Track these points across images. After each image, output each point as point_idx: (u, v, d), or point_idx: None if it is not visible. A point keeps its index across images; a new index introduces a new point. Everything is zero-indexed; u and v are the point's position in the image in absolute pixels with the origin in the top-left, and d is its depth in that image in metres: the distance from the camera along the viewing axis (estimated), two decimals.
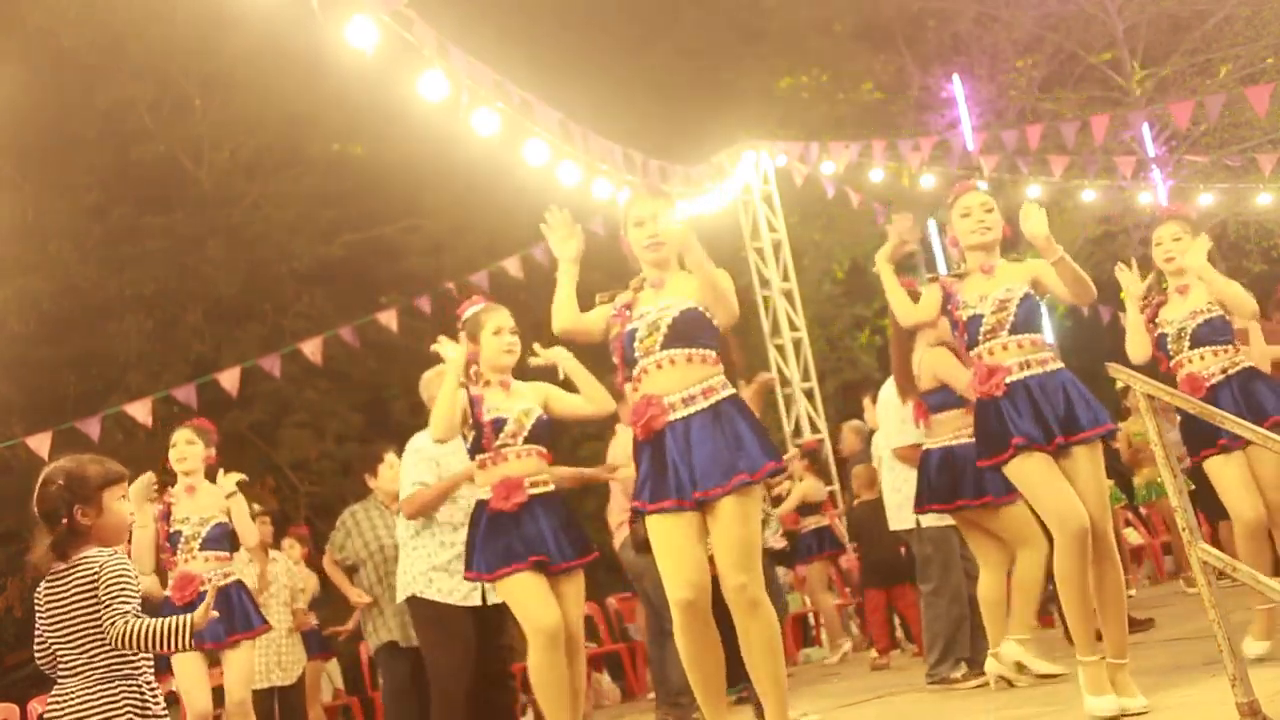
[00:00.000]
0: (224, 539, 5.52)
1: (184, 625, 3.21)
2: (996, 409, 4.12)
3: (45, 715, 3.36)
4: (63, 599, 3.20)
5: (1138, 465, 9.63)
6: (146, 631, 3.16)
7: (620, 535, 6.31)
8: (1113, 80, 20.94)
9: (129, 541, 4.73)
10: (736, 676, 4.27)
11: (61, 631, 3.19)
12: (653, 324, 3.89)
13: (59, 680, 3.20)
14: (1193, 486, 5.48)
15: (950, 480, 5.18)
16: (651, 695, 7.59)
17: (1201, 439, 4.83)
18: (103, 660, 3.17)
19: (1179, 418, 5.50)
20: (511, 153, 10.08)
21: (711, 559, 3.86)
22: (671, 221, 3.90)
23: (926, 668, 5.83)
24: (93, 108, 14.95)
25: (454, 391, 4.40)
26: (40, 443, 9.36)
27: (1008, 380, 4.11)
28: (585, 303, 4.12)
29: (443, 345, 4.54)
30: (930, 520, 5.69)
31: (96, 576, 3.19)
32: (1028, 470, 4.07)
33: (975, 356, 4.21)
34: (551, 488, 4.48)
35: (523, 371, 4.66)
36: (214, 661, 5.41)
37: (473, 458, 4.47)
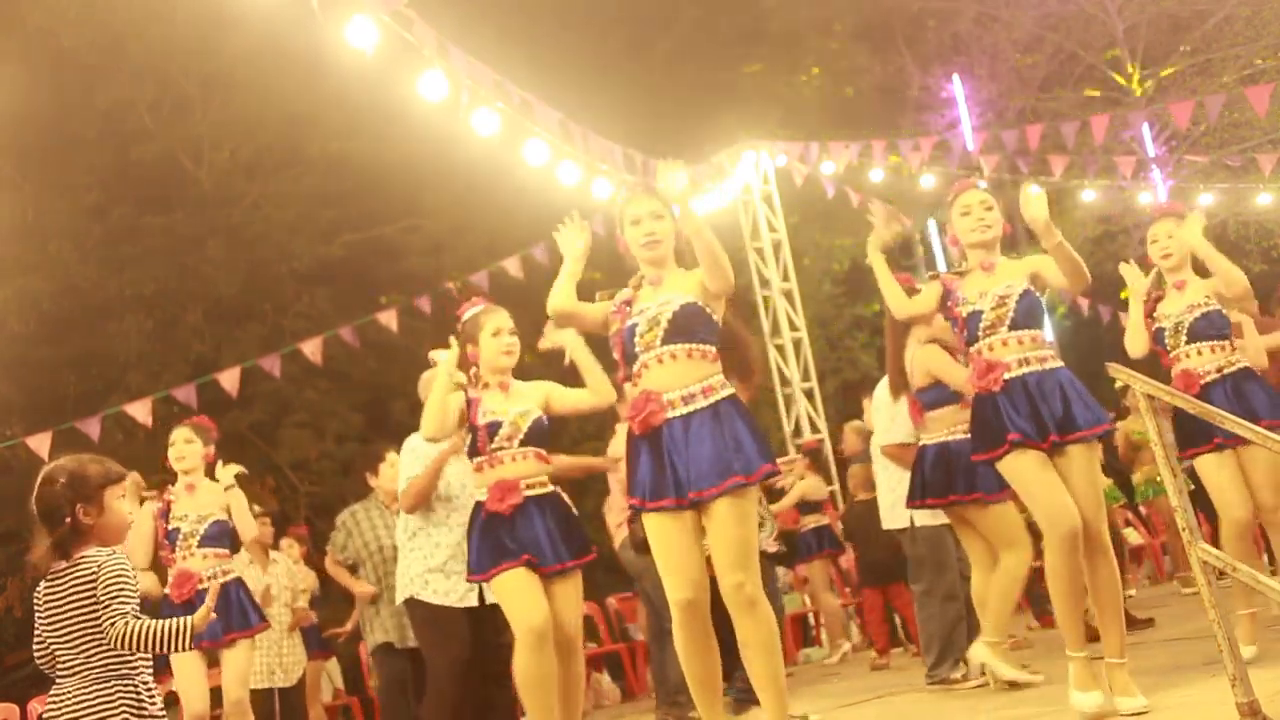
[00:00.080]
0: (223, 536, 5.52)
1: (184, 627, 3.21)
2: (994, 404, 4.12)
3: (44, 715, 3.36)
4: (61, 599, 3.20)
5: (1137, 464, 9.63)
6: (146, 632, 3.16)
7: (620, 535, 6.31)
8: (1113, 80, 20.95)
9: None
10: (731, 674, 4.27)
11: (59, 631, 3.19)
12: (653, 319, 3.89)
13: (57, 680, 3.21)
14: (1192, 486, 5.49)
15: (944, 475, 5.18)
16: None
17: (1193, 437, 4.82)
18: (99, 660, 3.17)
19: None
20: (511, 153, 10.08)
21: (709, 559, 3.87)
22: (674, 182, 3.88)
23: (926, 668, 5.83)
24: (93, 108, 14.95)
25: (444, 392, 4.40)
26: (40, 443, 9.36)
27: (1006, 376, 4.12)
28: (585, 301, 4.13)
29: (436, 354, 4.55)
30: (923, 520, 5.69)
31: (95, 576, 3.19)
32: (1021, 467, 4.08)
33: (975, 352, 4.21)
34: (549, 489, 4.47)
35: (524, 371, 4.66)
36: (213, 662, 5.40)
37: (470, 460, 4.48)
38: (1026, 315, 4.17)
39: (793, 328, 13.27)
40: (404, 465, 5.39)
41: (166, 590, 5.46)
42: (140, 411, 9.98)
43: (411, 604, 5.31)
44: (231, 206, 15.66)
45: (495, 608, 5.06)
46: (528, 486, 4.38)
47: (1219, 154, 18.44)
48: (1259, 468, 4.75)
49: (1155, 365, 4.92)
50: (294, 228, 15.58)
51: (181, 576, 5.35)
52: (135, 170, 15.23)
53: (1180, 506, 3.48)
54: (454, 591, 5.19)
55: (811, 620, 11.64)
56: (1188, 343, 4.91)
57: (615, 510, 6.42)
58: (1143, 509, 11.51)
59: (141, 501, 5.54)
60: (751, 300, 13.33)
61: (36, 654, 3.26)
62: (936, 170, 13.98)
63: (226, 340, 14.95)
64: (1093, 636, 4.42)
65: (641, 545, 4.55)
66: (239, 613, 5.35)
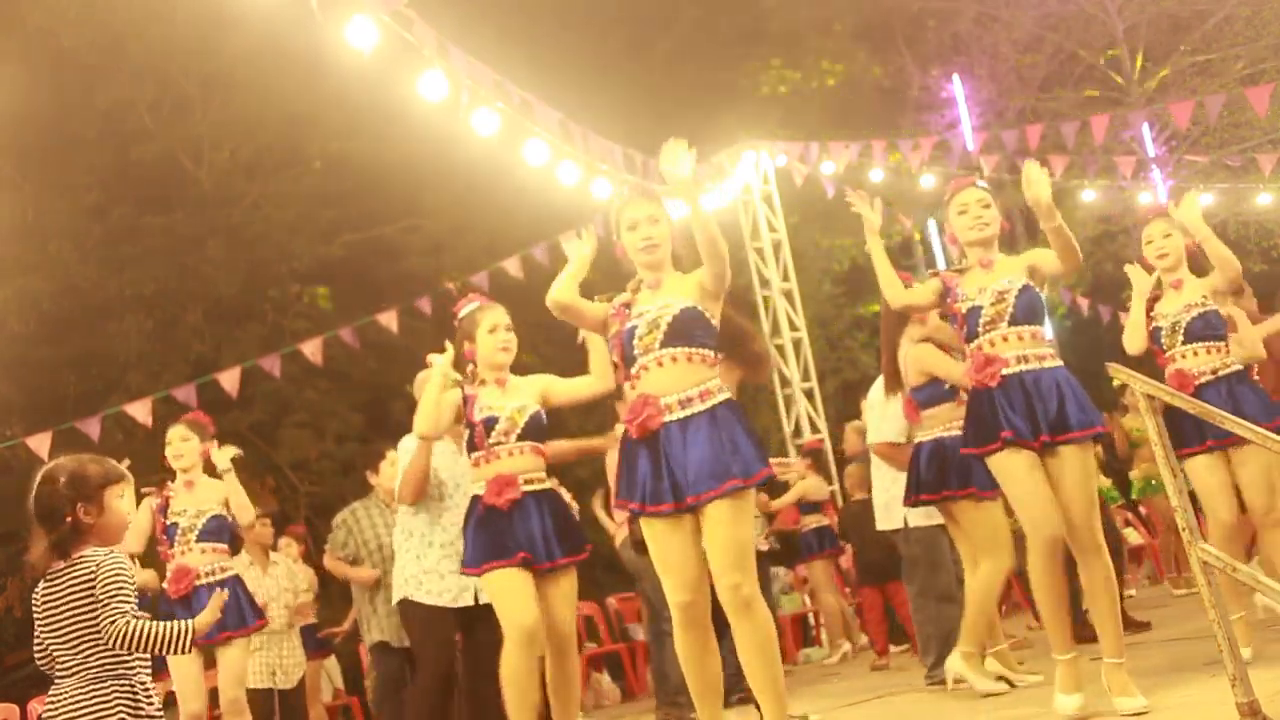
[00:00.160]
0: (221, 531, 5.52)
1: (185, 630, 3.21)
2: (990, 400, 4.13)
3: (42, 716, 3.37)
4: (58, 599, 3.20)
5: (1136, 460, 9.63)
6: (145, 632, 3.16)
7: (621, 534, 6.32)
8: (1113, 80, 20.96)
9: None
10: (737, 680, 4.27)
11: (57, 631, 3.19)
12: (652, 322, 3.90)
13: (56, 681, 3.21)
14: (1192, 487, 5.49)
15: (938, 471, 5.19)
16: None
17: (1185, 438, 4.82)
18: (96, 660, 3.17)
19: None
20: (511, 153, 10.08)
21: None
22: (680, 164, 3.89)
23: (925, 669, 5.83)
24: (93, 108, 14.94)
25: (438, 389, 4.42)
26: (40, 443, 9.36)
27: (1004, 372, 4.12)
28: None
29: (434, 357, 4.56)
30: (917, 520, 5.69)
31: (93, 576, 3.19)
32: (1010, 466, 4.09)
33: (975, 348, 4.22)
34: (547, 485, 4.48)
35: (522, 367, 4.66)
36: (210, 662, 5.41)
37: (469, 455, 4.47)
38: (1026, 311, 4.17)
39: (793, 328, 13.27)
40: (401, 465, 5.40)
41: (164, 585, 5.47)
42: (140, 411, 9.97)
43: (405, 604, 5.34)
44: (231, 206, 15.65)
45: (490, 606, 5.08)
46: (525, 482, 4.38)
47: (1219, 154, 18.44)
48: (1250, 470, 4.75)
49: (1149, 364, 4.92)
50: (294, 228, 15.58)
51: (179, 572, 5.35)
52: (135, 170, 15.22)
53: (1180, 506, 3.48)
54: (447, 592, 5.21)
55: (811, 620, 11.64)
56: (1184, 343, 4.91)
57: (617, 510, 6.42)
58: (1143, 509, 11.51)
59: (140, 499, 5.55)
60: (751, 300, 13.33)
61: (37, 655, 3.26)
62: (936, 170, 13.98)
63: (226, 340, 14.94)
64: (1091, 637, 4.42)
65: (641, 545, 4.54)
66: (235, 612, 5.35)
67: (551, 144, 10.16)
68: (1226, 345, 4.93)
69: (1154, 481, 9.42)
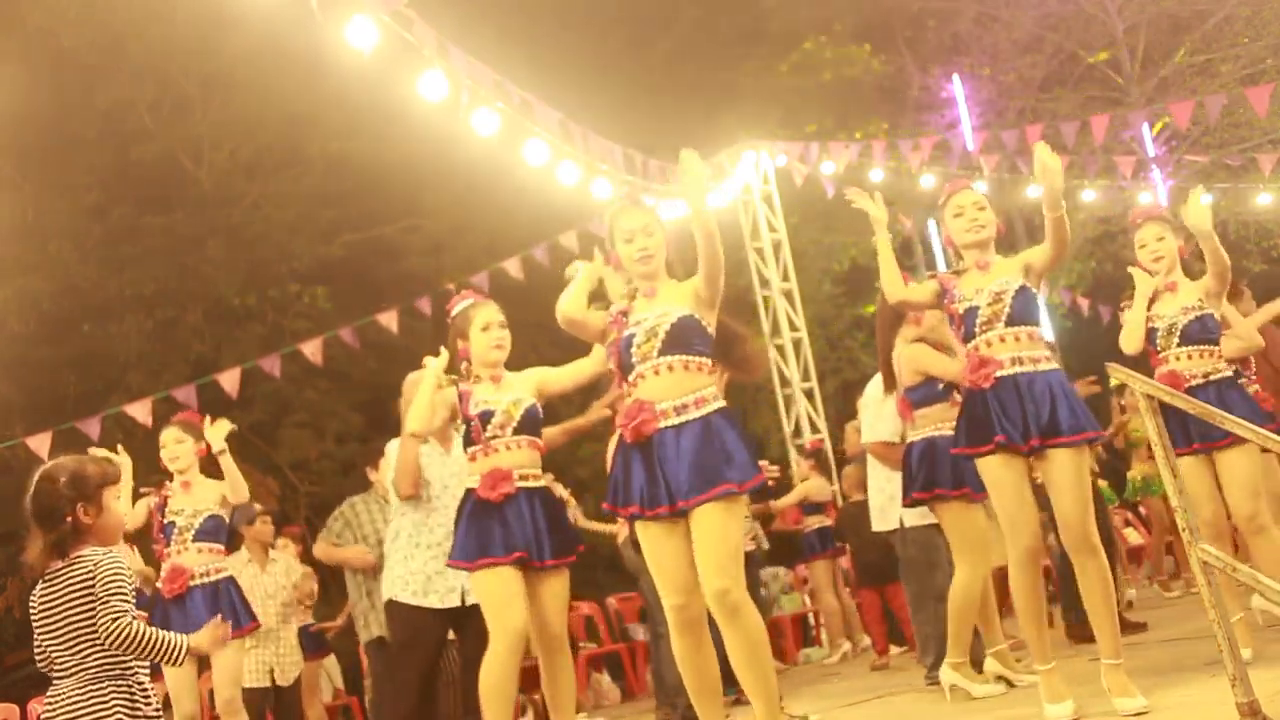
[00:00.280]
0: (218, 532, 5.53)
1: (180, 645, 3.24)
2: (983, 401, 4.14)
3: (41, 716, 3.37)
4: (56, 599, 3.20)
5: (1135, 460, 9.65)
6: (143, 637, 3.17)
7: (622, 533, 6.33)
8: (1113, 80, 20.95)
9: None
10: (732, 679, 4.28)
11: (55, 631, 3.19)
12: (650, 330, 3.94)
13: (54, 681, 3.21)
14: None
15: (929, 469, 5.21)
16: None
17: (1172, 439, 4.81)
18: (94, 660, 3.17)
19: None
20: (511, 153, 10.07)
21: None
22: (694, 172, 3.94)
23: (925, 669, 5.83)
24: (93, 108, 14.95)
25: (432, 388, 4.43)
26: (40, 443, 9.35)
27: (998, 374, 4.13)
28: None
29: (430, 360, 4.56)
30: (913, 521, 5.70)
31: (92, 576, 3.19)
32: (998, 472, 4.13)
33: (971, 349, 4.23)
34: (543, 482, 4.47)
35: (523, 367, 4.66)
36: (204, 664, 5.41)
37: (465, 450, 4.48)
38: (1023, 311, 4.18)
39: (793, 328, 13.27)
40: (392, 464, 5.43)
41: (158, 584, 5.48)
42: (140, 411, 9.97)
43: (390, 605, 5.38)
44: (231, 206, 15.66)
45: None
46: (520, 478, 4.37)
47: (1219, 154, 18.44)
48: (1234, 475, 4.76)
49: (1143, 364, 4.93)
50: (294, 228, 15.59)
51: (174, 571, 5.36)
52: (135, 170, 15.23)
53: (1180, 506, 3.48)
54: (434, 593, 5.22)
55: (811, 620, 11.64)
56: (1179, 345, 4.92)
57: None
58: (1142, 509, 11.52)
59: (136, 498, 5.56)
60: (751, 300, 13.33)
61: (37, 657, 3.26)
62: (936, 170, 13.98)
63: (226, 340, 14.95)
64: (1089, 637, 4.43)
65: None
66: (229, 613, 5.35)
67: (551, 144, 10.15)
68: (1219, 350, 4.95)
69: (1152, 483, 9.44)
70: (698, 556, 3.80)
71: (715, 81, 18.12)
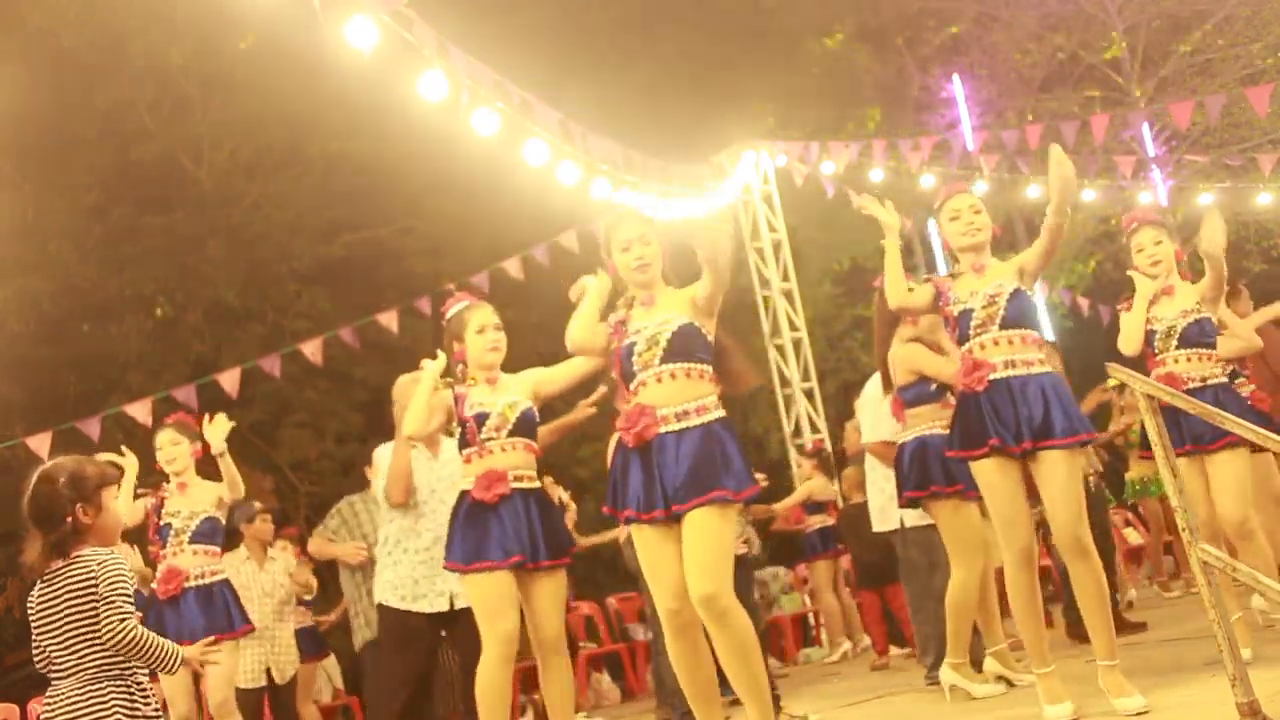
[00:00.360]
0: (214, 534, 5.55)
1: (175, 655, 3.26)
2: (977, 404, 4.16)
3: (40, 716, 3.38)
4: (55, 599, 3.20)
5: (1131, 461, 9.66)
6: (143, 642, 3.19)
7: (624, 533, 6.33)
8: (1113, 80, 20.95)
9: None
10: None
11: (54, 632, 3.19)
12: (651, 338, 3.97)
13: (53, 682, 3.21)
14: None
15: (921, 468, 5.21)
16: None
17: None
18: (93, 660, 3.17)
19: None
20: (511, 153, 10.07)
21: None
22: (719, 232, 3.94)
23: (925, 669, 5.84)
24: (93, 108, 14.93)
25: (428, 391, 4.42)
26: (40, 443, 9.35)
27: (991, 377, 4.15)
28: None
29: (427, 363, 4.56)
30: (913, 520, 5.71)
31: (94, 576, 3.19)
32: (993, 474, 4.15)
33: (966, 352, 4.25)
34: (537, 484, 4.47)
35: (519, 363, 4.66)
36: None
37: (460, 452, 4.47)
38: (1018, 314, 4.20)
39: (793, 328, 13.26)
40: (382, 469, 5.43)
41: (153, 585, 5.48)
42: (140, 411, 9.97)
43: (380, 609, 5.39)
44: (231, 206, 15.64)
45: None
46: (515, 479, 4.37)
47: (1219, 154, 18.44)
48: (1224, 479, 4.77)
49: (1139, 366, 4.94)
50: (294, 228, 15.56)
51: (170, 573, 5.38)
52: (135, 170, 15.21)
53: (1180, 506, 3.48)
54: (422, 598, 5.24)
55: (811, 620, 11.64)
56: (1177, 348, 4.94)
57: None
58: (1142, 509, 11.52)
59: (136, 498, 5.56)
60: (751, 300, 13.33)
61: (35, 657, 3.26)
62: (936, 170, 13.98)
63: (226, 340, 14.93)
64: (1086, 636, 4.44)
65: None
66: (224, 615, 5.36)
67: (551, 144, 10.15)
68: (1216, 354, 4.95)
69: (1149, 484, 9.44)
70: (686, 559, 3.81)
71: (715, 81, 18.10)
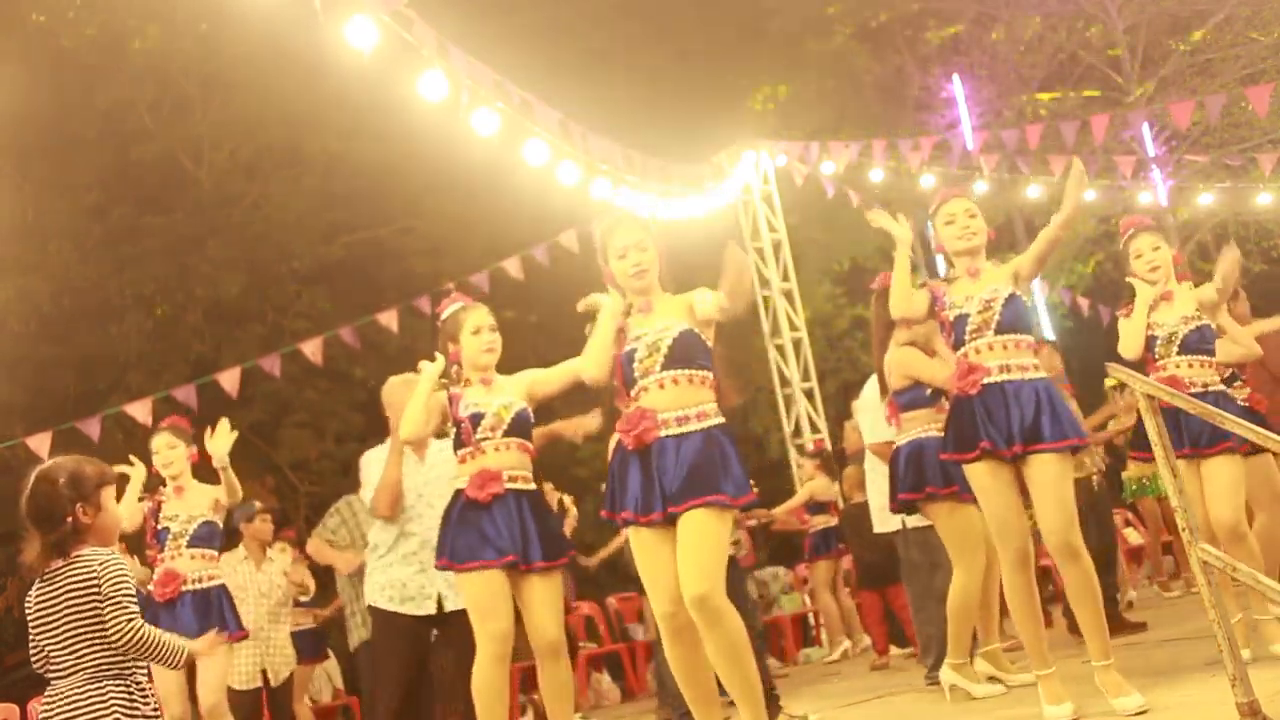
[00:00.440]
0: (211, 538, 5.56)
1: (180, 650, 3.28)
2: (970, 408, 4.18)
3: (40, 716, 3.39)
4: (54, 599, 3.20)
5: (1128, 462, 9.66)
6: (150, 640, 3.20)
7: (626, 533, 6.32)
8: (1113, 80, 20.95)
9: None
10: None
11: (53, 632, 3.20)
12: (652, 345, 3.98)
13: (51, 681, 3.21)
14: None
15: (917, 470, 5.22)
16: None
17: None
18: (92, 660, 3.18)
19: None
20: (511, 153, 10.07)
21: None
22: (746, 271, 3.98)
23: (925, 669, 5.84)
24: (93, 108, 14.93)
25: (426, 393, 4.40)
26: (40, 443, 9.35)
27: (985, 381, 4.16)
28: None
29: (424, 364, 4.54)
30: (916, 522, 5.71)
31: (96, 576, 3.20)
32: (985, 477, 4.16)
33: (961, 356, 4.26)
34: (532, 486, 4.46)
35: (518, 363, 4.66)
36: (193, 668, 5.44)
37: (455, 453, 4.47)
38: (1013, 319, 4.22)
39: (793, 328, 13.26)
40: (369, 478, 5.43)
41: (149, 587, 5.49)
42: (140, 411, 9.97)
43: (372, 611, 5.40)
44: (231, 206, 15.64)
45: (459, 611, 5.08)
46: (510, 479, 4.36)
47: (1219, 154, 18.44)
48: (1218, 483, 4.78)
49: (1138, 370, 4.94)
50: (294, 228, 15.57)
51: (167, 576, 5.40)
52: (135, 170, 15.21)
53: (1180, 506, 3.48)
54: (409, 600, 5.24)
55: (811, 620, 11.64)
56: (1178, 354, 4.94)
57: None
58: (1140, 509, 11.52)
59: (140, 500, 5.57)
60: (751, 300, 13.31)
61: (33, 657, 3.26)
62: (936, 170, 13.98)
63: (226, 340, 14.93)
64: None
65: None
66: (219, 619, 5.38)
67: (551, 144, 10.15)
68: (1215, 361, 4.97)
69: (1149, 479, 9.44)
70: (680, 559, 3.82)
71: (715, 81, 18.11)
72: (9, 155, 13.99)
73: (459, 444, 4.42)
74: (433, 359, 4.53)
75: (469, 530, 4.29)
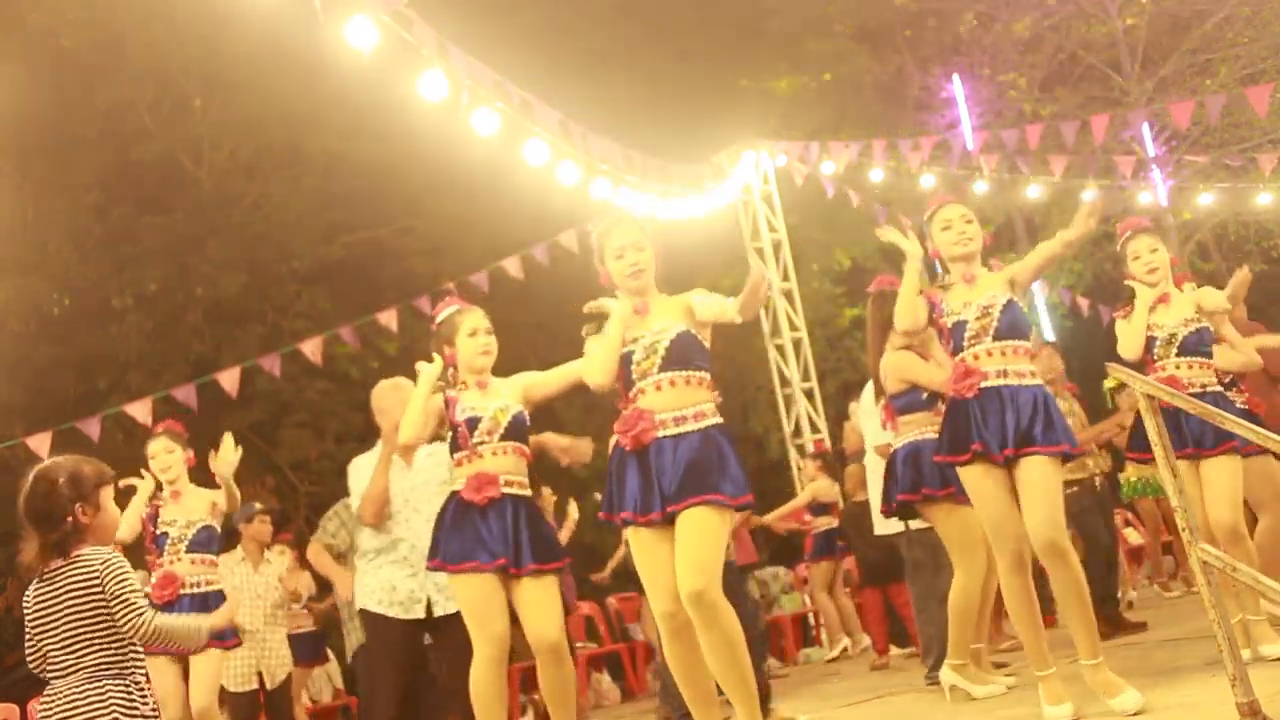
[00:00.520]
0: (210, 543, 5.57)
1: (199, 630, 3.31)
2: (965, 411, 4.19)
3: (39, 715, 3.39)
4: (54, 599, 3.20)
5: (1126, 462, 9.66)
6: (165, 630, 3.22)
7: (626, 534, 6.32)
8: (1113, 80, 20.96)
9: None
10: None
11: (52, 631, 3.19)
12: (649, 347, 4.00)
13: (50, 681, 3.21)
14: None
15: (915, 472, 5.22)
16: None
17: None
18: (92, 659, 3.18)
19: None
20: (511, 153, 10.07)
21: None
22: (765, 283, 3.97)
23: (925, 669, 5.84)
24: (93, 108, 14.93)
25: (425, 397, 4.38)
26: (40, 443, 9.35)
27: (982, 385, 4.18)
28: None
29: (422, 365, 4.52)
30: (919, 523, 5.71)
31: (98, 575, 3.20)
32: (979, 481, 4.18)
33: (959, 361, 4.28)
34: (528, 492, 4.44)
35: (522, 368, 4.65)
36: (188, 672, 5.45)
37: (451, 456, 4.46)
38: (1010, 326, 4.23)
39: (793, 328, 13.26)
40: (355, 485, 5.42)
41: (148, 590, 5.49)
42: (140, 411, 9.96)
43: (364, 615, 5.40)
44: (231, 206, 15.64)
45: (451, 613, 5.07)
46: (506, 484, 4.34)
47: (1219, 154, 18.45)
48: (1216, 485, 4.78)
49: (1137, 371, 4.95)
50: (294, 228, 15.57)
51: (166, 579, 5.41)
52: (135, 170, 15.21)
53: (1180, 506, 3.48)
54: (398, 604, 5.23)
55: (811, 620, 11.64)
56: (1177, 355, 4.95)
57: None
58: (1139, 509, 11.51)
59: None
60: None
61: (29, 657, 3.26)
62: (936, 170, 13.98)
63: (226, 340, 14.94)
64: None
65: None
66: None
67: (551, 144, 10.15)
68: (1212, 363, 4.97)
69: (1147, 480, 9.44)
70: (677, 556, 3.83)
71: (715, 81, 18.11)
72: (9, 155, 13.99)
73: (455, 448, 4.40)
74: (430, 360, 4.52)
75: (463, 532, 4.28)
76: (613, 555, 10.07)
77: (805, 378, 13.20)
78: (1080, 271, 20.55)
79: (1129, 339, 4.97)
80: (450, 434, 4.42)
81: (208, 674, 5.41)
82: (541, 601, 4.30)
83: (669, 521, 3.88)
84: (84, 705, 3.13)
